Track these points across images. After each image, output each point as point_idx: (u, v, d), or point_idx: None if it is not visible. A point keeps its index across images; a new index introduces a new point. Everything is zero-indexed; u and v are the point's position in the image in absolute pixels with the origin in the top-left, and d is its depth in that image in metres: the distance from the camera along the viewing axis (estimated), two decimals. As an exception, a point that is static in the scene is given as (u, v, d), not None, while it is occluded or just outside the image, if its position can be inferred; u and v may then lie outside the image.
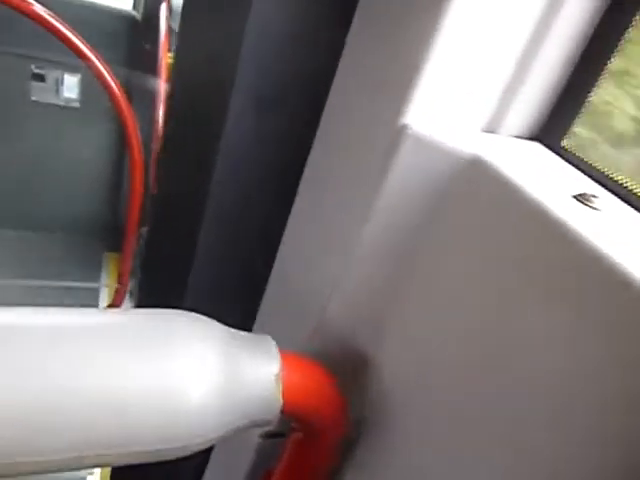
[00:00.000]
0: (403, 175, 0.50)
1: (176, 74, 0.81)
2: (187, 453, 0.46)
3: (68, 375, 0.40)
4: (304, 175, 0.68)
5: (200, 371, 0.44)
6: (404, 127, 0.51)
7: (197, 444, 0.45)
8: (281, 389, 0.49)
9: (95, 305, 2.53)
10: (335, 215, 0.61)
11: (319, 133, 0.66)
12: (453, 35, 0.51)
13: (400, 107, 0.52)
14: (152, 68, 2.48)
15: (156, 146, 2.34)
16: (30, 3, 1.71)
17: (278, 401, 0.49)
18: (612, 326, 0.35)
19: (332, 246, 0.61)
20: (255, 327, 0.79)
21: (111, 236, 2.85)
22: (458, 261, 0.49)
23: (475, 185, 0.48)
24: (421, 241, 0.53)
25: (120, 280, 1.85)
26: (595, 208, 0.45)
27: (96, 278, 2.69)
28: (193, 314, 0.49)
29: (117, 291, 1.89)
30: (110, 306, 2.07)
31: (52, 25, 1.71)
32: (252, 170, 0.72)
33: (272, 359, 0.50)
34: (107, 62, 1.97)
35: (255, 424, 0.50)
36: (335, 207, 0.61)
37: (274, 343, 0.52)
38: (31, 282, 2.31)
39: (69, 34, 1.75)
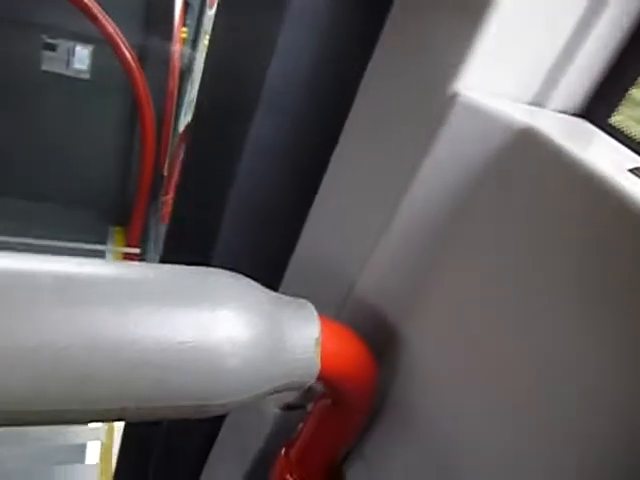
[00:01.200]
0: (452, 143, 0.49)
1: (208, 63, 0.80)
2: (226, 411, 0.46)
3: (113, 327, 0.39)
4: (337, 148, 0.67)
5: (243, 330, 0.44)
6: (455, 94, 0.50)
7: (236, 402, 0.45)
8: (319, 353, 0.49)
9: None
10: (371, 186, 0.60)
11: (354, 106, 0.65)
12: (508, 7, 0.50)
13: (450, 75, 0.51)
14: (166, 43, 2.45)
15: (168, 124, 2.32)
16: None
17: (317, 365, 0.49)
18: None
19: (366, 216, 0.60)
20: (283, 284, 0.78)
21: (118, 210, 2.83)
22: (505, 234, 0.48)
23: (528, 155, 0.47)
24: (465, 213, 0.52)
25: (129, 245, 1.85)
26: (653, 182, 0.44)
27: (100, 254, 2.68)
28: (233, 273, 0.48)
29: (126, 256, 1.89)
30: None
31: (70, -9, 1.69)
32: (280, 150, 0.71)
33: (312, 323, 0.49)
34: (123, 33, 1.95)
35: (291, 386, 0.50)
36: (370, 178, 0.60)
37: (314, 308, 0.51)
38: (36, 241, 2.29)
39: (87, 1, 1.73)
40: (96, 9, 1.73)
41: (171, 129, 2.50)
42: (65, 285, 0.38)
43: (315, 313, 0.51)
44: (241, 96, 0.70)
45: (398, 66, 0.58)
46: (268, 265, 0.79)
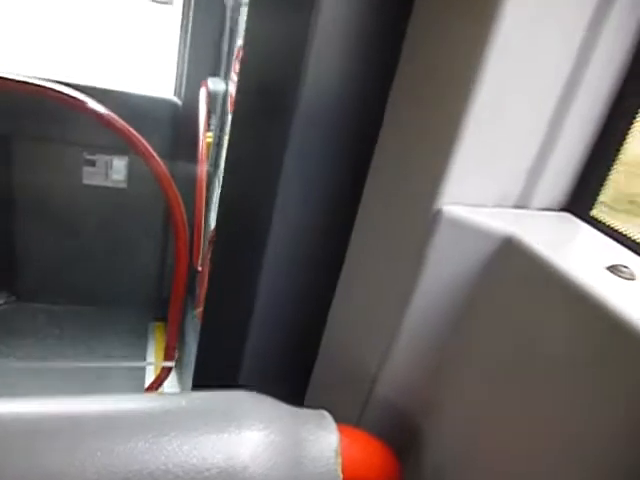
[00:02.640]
0: (440, 258, 0.54)
1: (228, 162, 0.87)
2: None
3: (148, 460, 0.44)
4: (347, 258, 0.73)
5: (267, 450, 0.48)
6: (438, 210, 0.55)
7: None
8: (340, 463, 0.52)
9: (142, 374, 2.59)
10: (379, 296, 0.65)
11: (358, 220, 0.71)
12: (481, 119, 0.56)
13: (434, 191, 0.56)
14: (193, 148, 2.64)
15: (199, 224, 2.46)
16: (84, 101, 1.88)
17: (338, 476, 0.52)
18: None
19: (378, 324, 0.65)
20: (306, 401, 0.82)
21: (158, 307, 2.95)
22: (500, 338, 0.52)
23: (510, 264, 0.51)
24: (463, 319, 0.56)
25: (166, 355, 1.92)
26: (630, 278, 0.47)
27: (143, 348, 2.77)
28: (256, 394, 0.53)
29: (162, 368, 1.96)
30: (157, 379, 2.11)
31: (106, 118, 1.87)
32: (300, 250, 0.77)
33: (331, 434, 0.53)
34: (153, 145, 2.12)
35: (316, 499, 0.52)
36: (378, 289, 0.65)
37: (331, 418, 0.55)
38: (78, 364, 2.40)
39: (120, 124, 1.91)
40: (127, 130, 1.90)
41: (202, 226, 2.64)
42: (105, 426, 0.44)
43: (333, 424, 0.54)
44: (259, 194, 0.76)
45: (388, 187, 0.64)
46: (295, 365, 0.83)
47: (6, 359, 2.33)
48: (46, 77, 2.36)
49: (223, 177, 0.83)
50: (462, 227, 0.54)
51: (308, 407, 0.60)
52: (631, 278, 0.47)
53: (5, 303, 2.88)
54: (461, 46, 0.56)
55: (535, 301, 0.49)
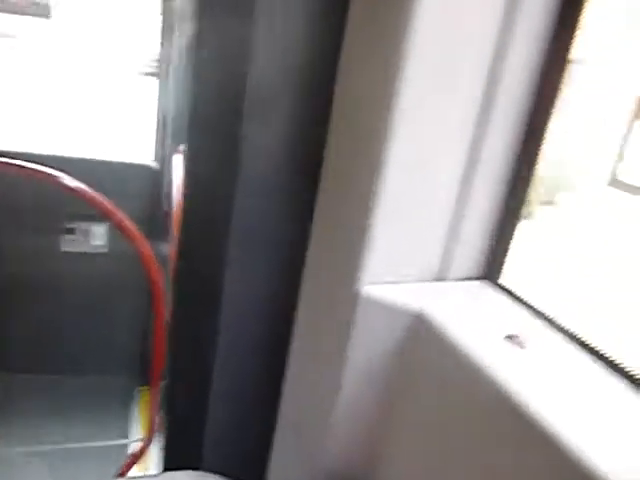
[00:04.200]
0: (363, 334, 0.60)
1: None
2: None
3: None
4: (294, 334, 0.79)
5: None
6: (358, 291, 0.61)
7: None
8: (280, 533, 0.56)
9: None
10: (319, 370, 0.70)
11: (301, 297, 0.77)
12: (392, 201, 0.62)
13: (354, 273, 0.63)
14: (167, 214, 2.72)
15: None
16: (58, 177, 1.97)
17: None
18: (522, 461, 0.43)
19: (320, 397, 0.70)
20: (270, 468, 0.85)
21: (142, 372, 2.94)
22: (423, 405, 0.57)
23: (421, 337, 0.57)
24: (392, 390, 0.62)
25: (148, 434, 1.95)
26: (521, 346, 0.54)
27: (126, 419, 2.76)
28: (202, 474, 0.57)
29: (142, 445, 1.98)
30: (132, 459, 2.09)
31: (80, 192, 1.95)
32: (255, 323, 0.83)
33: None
34: (134, 211, 2.18)
35: None
36: (317, 364, 0.71)
37: (272, 490, 0.59)
38: (57, 446, 2.39)
39: (96, 197, 1.99)
40: (101, 201, 1.97)
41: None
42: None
43: (273, 495, 0.58)
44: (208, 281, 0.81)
45: (322, 267, 0.71)
46: (256, 439, 0.87)
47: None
48: (24, 150, 2.47)
49: (177, 264, 0.89)
50: (379, 306, 0.60)
51: (271, 477, 0.64)
52: (522, 346, 0.53)
53: (-14, 377, 2.87)
54: (369, 124, 0.63)
55: (442, 372, 0.55)
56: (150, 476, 0.56)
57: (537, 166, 0.67)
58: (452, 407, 0.53)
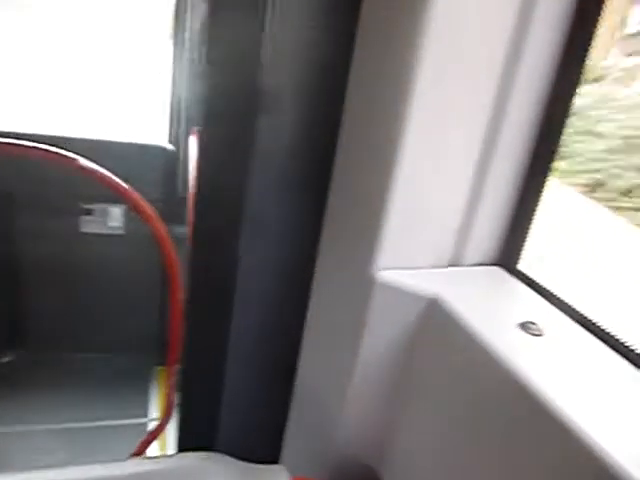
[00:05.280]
0: (378, 319, 0.60)
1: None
2: None
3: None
4: (308, 321, 0.79)
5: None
6: (373, 275, 0.61)
7: None
8: (291, 514, 0.57)
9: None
10: (333, 355, 0.70)
11: (314, 286, 0.77)
12: (406, 187, 0.62)
13: (369, 258, 0.62)
14: (184, 192, 2.72)
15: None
16: (75, 159, 1.98)
17: (289, 527, 0.56)
18: (537, 450, 0.42)
19: (334, 380, 0.70)
20: (283, 455, 0.86)
21: (159, 352, 2.99)
22: (433, 392, 0.57)
23: (435, 322, 0.57)
24: (404, 373, 0.62)
25: (165, 413, 1.98)
26: (537, 334, 0.53)
27: (145, 396, 2.81)
28: (215, 455, 0.58)
29: (159, 424, 2.01)
30: (148, 439, 2.13)
31: (96, 174, 1.96)
32: (268, 309, 0.83)
33: (283, 487, 0.58)
34: (149, 192, 2.20)
35: None
36: (332, 349, 0.71)
37: (285, 472, 0.60)
38: (78, 424, 2.45)
39: (112, 179, 2.00)
40: (118, 184, 1.98)
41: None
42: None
43: (287, 477, 0.59)
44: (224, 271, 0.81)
45: (337, 254, 0.70)
46: (270, 422, 0.88)
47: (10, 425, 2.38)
48: (41, 132, 2.48)
49: (191, 251, 0.89)
50: (394, 290, 0.60)
51: (285, 459, 0.65)
52: (539, 334, 0.53)
53: (8, 356, 2.94)
54: (384, 113, 0.62)
55: (455, 357, 0.54)
56: (163, 457, 0.58)
57: (558, 149, 0.65)
58: (464, 392, 0.53)
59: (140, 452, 1.90)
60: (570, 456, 0.41)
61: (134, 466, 0.56)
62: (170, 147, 3.04)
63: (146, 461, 0.57)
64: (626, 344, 0.51)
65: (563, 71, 0.62)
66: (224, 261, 0.81)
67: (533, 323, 0.53)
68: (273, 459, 0.66)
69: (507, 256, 0.67)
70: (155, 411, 2.73)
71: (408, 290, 0.59)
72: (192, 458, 0.58)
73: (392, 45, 0.59)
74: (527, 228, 0.66)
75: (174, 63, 2.99)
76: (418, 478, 0.64)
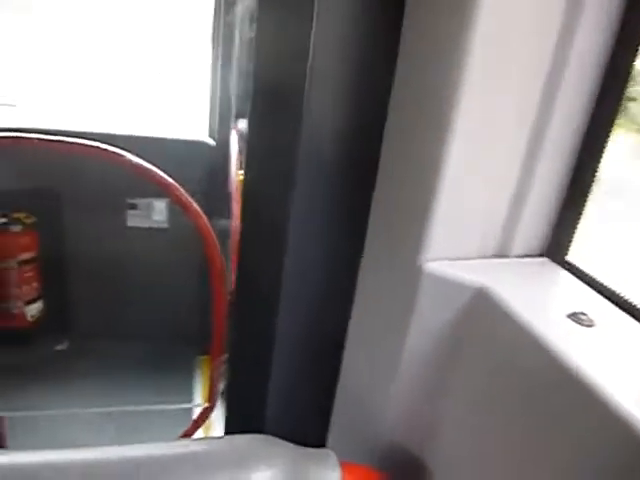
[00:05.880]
0: (425, 309, 0.61)
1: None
2: None
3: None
4: (353, 312, 0.80)
5: (273, 488, 0.55)
6: (420, 266, 0.62)
7: None
8: (341, 497, 0.59)
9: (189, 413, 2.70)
10: (380, 345, 0.72)
11: (360, 279, 0.78)
12: (453, 181, 0.62)
13: (416, 249, 0.63)
14: (225, 187, 2.78)
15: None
16: (122, 155, 2.05)
17: (339, 508, 0.58)
18: (585, 440, 0.43)
19: (381, 369, 0.71)
20: (329, 440, 0.88)
21: (203, 342, 3.07)
22: (480, 382, 0.58)
23: (482, 313, 0.57)
24: (451, 363, 0.62)
25: (209, 397, 2.03)
26: (589, 325, 0.53)
27: (190, 384, 2.90)
28: (267, 438, 0.60)
29: (205, 409, 2.07)
30: (196, 422, 2.19)
31: (143, 169, 2.03)
32: (314, 301, 0.84)
33: (333, 471, 0.60)
34: (191, 186, 2.26)
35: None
36: (378, 339, 0.72)
37: (334, 456, 0.62)
38: (125, 408, 2.54)
39: (157, 175, 2.06)
40: (164, 180, 2.04)
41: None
42: (126, 473, 0.52)
43: (336, 462, 0.61)
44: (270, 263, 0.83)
45: (383, 246, 0.72)
46: (316, 409, 0.90)
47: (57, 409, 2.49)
48: (87, 129, 2.57)
49: (240, 246, 0.90)
50: (441, 281, 0.61)
51: (331, 445, 0.67)
52: (590, 325, 0.53)
53: (60, 345, 3.07)
54: (431, 110, 0.63)
55: (503, 347, 0.55)
56: (211, 438, 0.60)
57: (608, 141, 0.64)
58: (513, 383, 0.53)
59: (188, 436, 1.96)
60: (621, 445, 0.41)
61: (184, 447, 0.59)
62: (211, 142, 3.10)
63: (196, 442, 0.59)
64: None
65: (613, 66, 0.61)
66: (271, 255, 0.83)
67: (584, 314, 0.53)
68: (319, 445, 0.67)
69: (555, 247, 0.67)
70: (199, 398, 2.81)
71: (455, 280, 0.60)
72: (242, 440, 0.60)
73: (438, 47, 0.60)
74: (576, 220, 0.66)
75: (213, 60, 3.04)
76: (464, 468, 0.65)
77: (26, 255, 2.81)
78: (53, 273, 2.95)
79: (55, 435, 2.25)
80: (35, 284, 2.89)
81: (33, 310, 2.89)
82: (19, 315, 2.85)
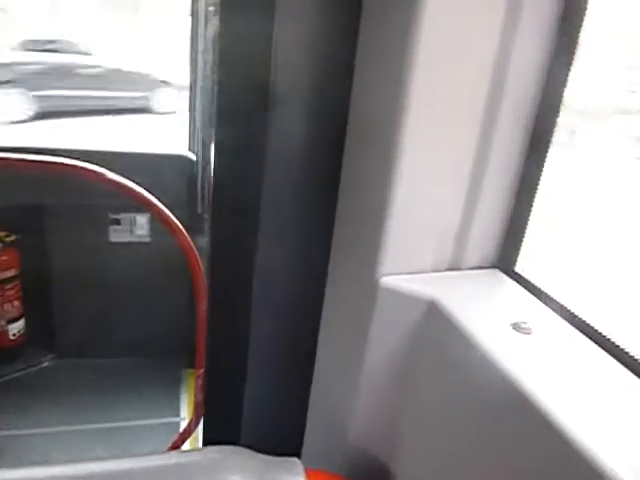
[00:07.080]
0: (382, 323, 0.65)
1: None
2: None
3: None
4: (321, 324, 0.84)
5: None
6: (377, 280, 0.66)
7: None
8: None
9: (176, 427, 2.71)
10: (343, 357, 0.75)
11: (327, 293, 0.82)
12: (405, 197, 0.66)
13: (373, 265, 0.67)
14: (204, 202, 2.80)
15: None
16: (103, 173, 2.07)
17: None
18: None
19: (345, 380, 0.75)
20: (303, 450, 0.92)
21: (188, 355, 3.08)
22: (433, 393, 0.62)
23: (433, 328, 0.61)
24: (408, 375, 0.66)
25: (194, 413, 2.06)
26: (527, 332, 0.57)
27: (177, 398, 2.91)
28: (234, 448, 0.64)
29: (190, 422, 2.09)
30: (182, 435, 2.21)
31: (123, 187, 2.06)
32: (285, 312, 0.88)
33: (298, 477, 0.63)
34: (172, 199, 2.28)
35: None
36: (342, 352, 0.76)
37: (300, 464, 0.65)
38: (110, 424, 2.55)
39: (137, 191, 2.08)
40: (140, 193, 2.06)
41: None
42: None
43: (301, 470, 0.64)
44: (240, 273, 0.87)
45: (345, 260, 0.75)
46: (289, 420, 0.93)
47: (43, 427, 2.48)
48: (69, 147, 2.59)
49: (209, 259, 0.94)
50: (396, 295, 0.65)
51: (305, 453, 0.70)
52: (528, 332, 0.57)
53: (45, 361, 3.06)
54: (382, 124, 0.66)
55: (452, 356, 0.59)
56: (184, 451, 0.63)
57: (547, 153, 0.69)
58: (461, 392, 0.57)
59: (174, 449, 1.97)
60: (557, 453, 0.45)
61: (161, 459, 0.62)
62: (192, 156, 3.13)
63: (173, 454, 0.62)
64: (612, 341, 0.54)
65: (551, 78, 0.65)
66: (241, 268, 0.86)
67: (524, 322, 0.57)
68: (294, 453, 0.71)
69: (504, 259, 0.71)
70: (185, 411, 2.82)
71: (409, 294, 0.64)
72: (215, 452, 0.63)
73: (390, 42, 0.63)
74: (523, 231, 0.70)
75: (191, 72, 3.07)
76: (426, 474, 0.68)
77: (7, 274, 2.81)
78: (36, 290, 2.95)
79: (40, 453, 2.25)
80: (17, 302, 2.89)
81: (15, 329, 2.89)
82: (1, 334, 2.84)
